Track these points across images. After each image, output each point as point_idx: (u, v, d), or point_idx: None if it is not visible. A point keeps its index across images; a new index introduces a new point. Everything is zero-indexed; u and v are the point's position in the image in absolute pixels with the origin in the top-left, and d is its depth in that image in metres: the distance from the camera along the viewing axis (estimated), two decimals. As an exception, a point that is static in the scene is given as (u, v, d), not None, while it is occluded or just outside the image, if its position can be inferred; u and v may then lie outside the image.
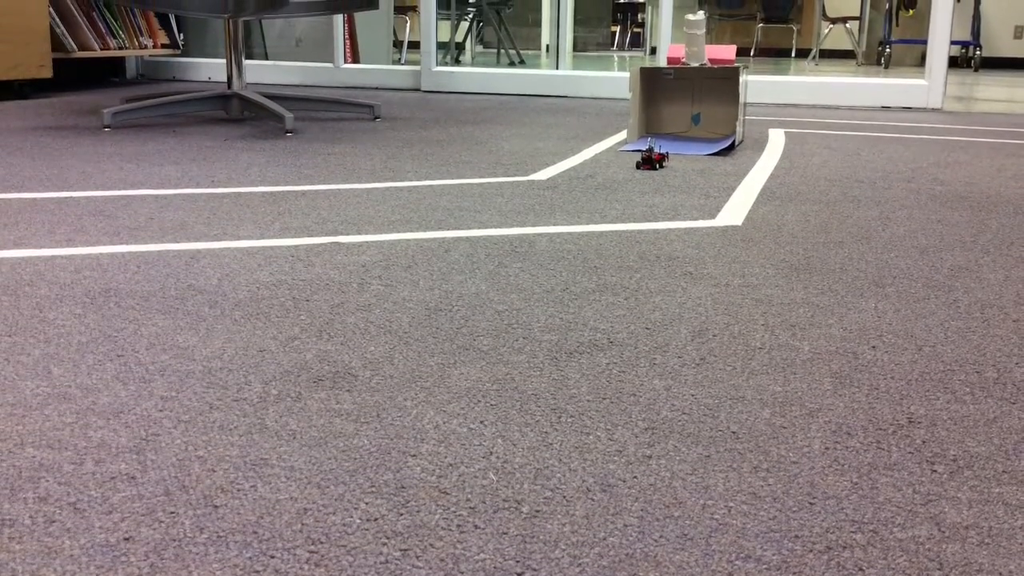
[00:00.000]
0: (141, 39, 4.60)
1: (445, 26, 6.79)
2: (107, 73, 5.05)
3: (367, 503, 0.68)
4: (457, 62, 6.83)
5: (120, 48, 4.44)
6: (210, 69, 5.09)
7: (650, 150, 2.23)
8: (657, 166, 2.23)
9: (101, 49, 4.31)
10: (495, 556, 0.62)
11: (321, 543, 0.63)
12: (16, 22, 3.72)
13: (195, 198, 1.81)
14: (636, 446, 0.79)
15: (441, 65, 4.73)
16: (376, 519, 0.66)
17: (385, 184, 2.00)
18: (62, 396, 0.87)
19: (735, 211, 1.77)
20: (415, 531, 0.65)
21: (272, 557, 0.61)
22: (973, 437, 0.81)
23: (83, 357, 0.97)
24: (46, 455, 0.75)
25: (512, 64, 6.62)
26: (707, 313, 1.15)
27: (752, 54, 9.25)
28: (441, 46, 6.65)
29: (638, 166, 2.24)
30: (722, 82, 2.72)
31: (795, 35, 9.10)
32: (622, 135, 2.92)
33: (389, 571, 0.60)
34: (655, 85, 2.79)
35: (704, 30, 2.64)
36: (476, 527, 0.66)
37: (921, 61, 8.05)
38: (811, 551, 0.63)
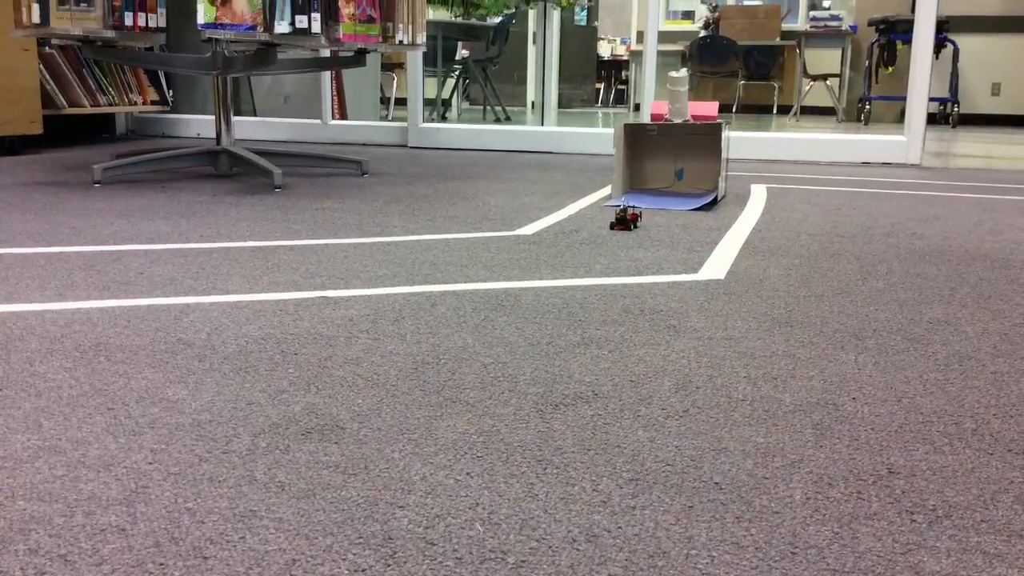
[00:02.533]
0: (131, 96, 4.65)
1: (432, 83, 6.88)
2: (97, 129, 5.09)
3: (355, 554, 0.69)
4: (443, 119, 6.91)
5: (110, 105, 4.48)
6: (199, 125, 5.14)
7: (624, 210, 2.21)
8: (631, 227, 2.21)
9: (91, 106, 4.35)
10: (482, 606, 0.63)
11: (310, 594, 0.64)
12: (7, 79, 3.76)
13: (184, 253, 1.83)
14: (620, 496, 0.80)
15: (428, 121, 4.78)
16: (364, 570, 0.67)
17: (372, 239, 2.02)
18: (52, 449, 0.87)
19: (718, 265, 1.79)
20: (403, 581, 0.66)
21: (261, 608, 0.62)
22: (952, 487, 0.83)
23: (73, 410, 0.98)
24: (36, 508, 0.76)
25: (498, 120, 6.71)
26: (690, 366, 1.16)
27: (734, 110, 9.39)
28: (428, 103, 6.73)
29: (612, 227, 2.21)
30: (705, 138, 2.77)
31: (776, 92, 9.24)
32: (606, 190, 2.96)
33: (377, 621, 0.61)
34: (639, 141, 2.83)
35: (687, 87, 2.69)
36: (463, 577, 0.66)
37: (900, 117, 8.18)
38: (792, 599, 0.64)
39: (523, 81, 9.13)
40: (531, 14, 8.01)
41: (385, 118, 6.48)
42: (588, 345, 1.25)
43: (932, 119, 8.67)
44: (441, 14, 6.78)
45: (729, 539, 0.73)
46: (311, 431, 0.93)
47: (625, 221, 2.21)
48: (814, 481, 0.83)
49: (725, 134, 2.72)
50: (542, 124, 5.21)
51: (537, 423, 0.96)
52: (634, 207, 2.51)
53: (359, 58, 3.27)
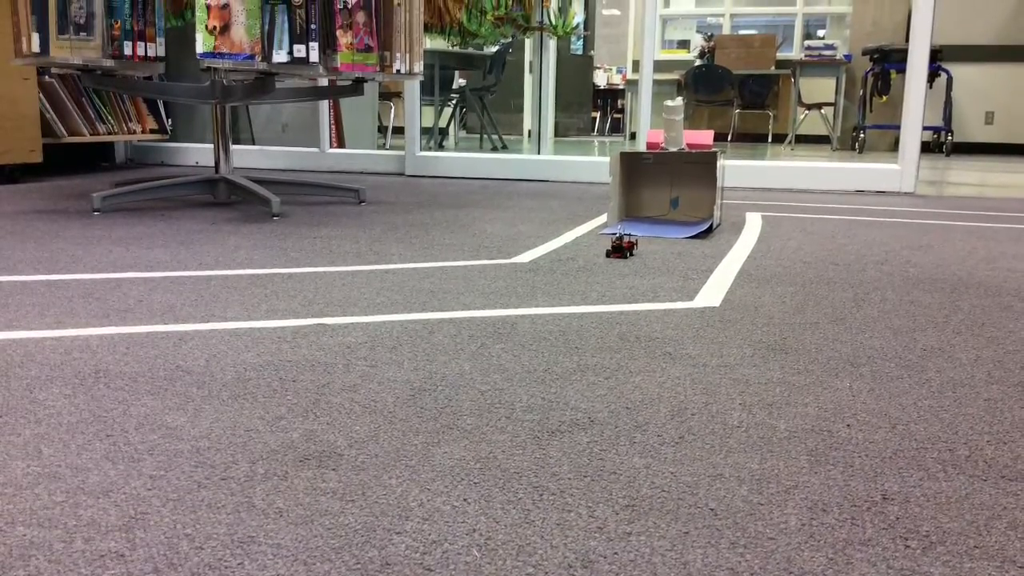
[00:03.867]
0: (130, 124, 4.67)
1: (429, 112, 6.92)
2: (96, 158, 5.11)
3: (353, 580, 0.70)
4: (441, 147, 6.95)
5: (109, 133, 4.51)
6: (198, 154, 5.16)
7: (619, 238, 2.22)
8: (627, 254, 2.23)
9: (90, 134, 4.37)
10: (479, 631, 0.63)
11: (308, 619, 0.64)
12: (7, 108, 3.79)
13: (183, 281, 1.84)
14: (616, 523, 0.80)
15: (425, 150, 4.81)
16: (362, 595, 0.68)
17: (370, 267, 2.03)
18: (52, 475, 0.88)
19: (713, 293, 1.80)
20: (400, 607, 0.66)
21: (260, 633, 0.62)
22: (945, 513, 0.83)
23: (73, 437, 0.98)
24: (36, 533, 0.76)
25: (495, 149, 6.74)
26: (686, 393, 1.17)
27: (729, 139, 9.44)
28: (425, 131, 6.76)
29: (608, 255, 2.22)
30: (700, 166, 2.79)
31: (771, 121, 9.30)
32: (602, 219, 2.98)
33: (375, 646, 0.61)
34: (635, 170, 2.85)
35: (682, 116, 2.71)
36: (460, 603, 0.67)
37: (894, 146, 8.24)
38: (787, 624, 0.65)
39: (520, 110, 9.19)
40: (527, 43, 8.08)
41: (383, 146, 6.51)
42: (584, 372, 1.25)
43: (926, 147, 8.73)
44: (438, 43, 6.84)
45: (724, 565, 0.73)
46: (309, 457, 0.94)
47: (621, 249, 2.22)
48: (809, 507, 0.84)
49: (720, 163, 2.74)
50: (539, 152, 5.23)
51: (534, 449, 0.97)
52: (630, 235, 2.52)
53: (357, 87, 3.29)
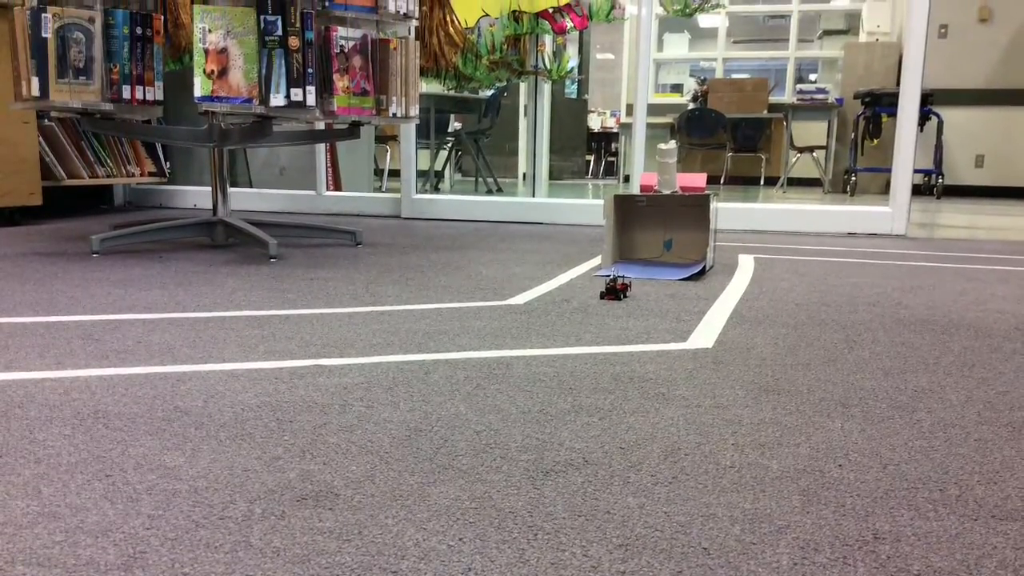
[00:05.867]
0: (128, 167, 4.71)
1: (425, 155, 6.97)
2: (95, 200, 5.14)
3: (350, 618, 0.70)
4: (436, 190, 6.99)
5: (108, 176, 4.54)
6: (196, 196, 5.19)
7: (613, 280, 2.24)
8: (621, 296, 2.24)
9: (89, 177, 4.40)
10: (474, 668, 0.64)
11: (305, 657, 0.65)
12: (7, 152, 3.82)
13: (181, 322, 1.85)
14: (610, 562, 0.81)
15: (421, 193, 4.84)
16: (359, 633, 0.68)
17: (367, 308, 2.04)
18: (51, 515, 0.89)
19: (706, 334, 1.82)
20: (397, 644, 0.67)
21: (258, 670, 0.63)
22: (936, 552, 0.84)
23: (72, 477, 0.99)
24: (36, 573, 0.77)
25: (490, 192, 6.78)
26: (679, 433, 1.18)
27: (722, 182, 9.51)
28: (421, 174, 6.80)
29: (602, 296, 2.24)
30: (693, 209, 2.82)
31: (764, 164, 9.38)
32: (596, 261, 3.00)
33: None
34: (629, 212, 2.88)
35: (675, 159, 2.74)
36: (456, 640, 0.68)
37: (886, 189, 8.30)
38: (778, 661, 0.65)
39: (514, 153, 9.25)
40: (522, 87, 8.16)
41: (379, 189, 6.55)
42: (578, 413, 1.27)
43: (917, 190, 8.79)
44: (434, 87, 6.91)
45: (717, 603, 0.74)
46: (306, 497, 0.94)
47: (615, 291, 2.23)
48: (801, 546, 0.85)
49: (713, 205, 2.77)
50: (533, 195, 5.27)
51: (528, 489, 0.98)
52: (624, 277, 2.54)
53: (353, 130, 3.33)
